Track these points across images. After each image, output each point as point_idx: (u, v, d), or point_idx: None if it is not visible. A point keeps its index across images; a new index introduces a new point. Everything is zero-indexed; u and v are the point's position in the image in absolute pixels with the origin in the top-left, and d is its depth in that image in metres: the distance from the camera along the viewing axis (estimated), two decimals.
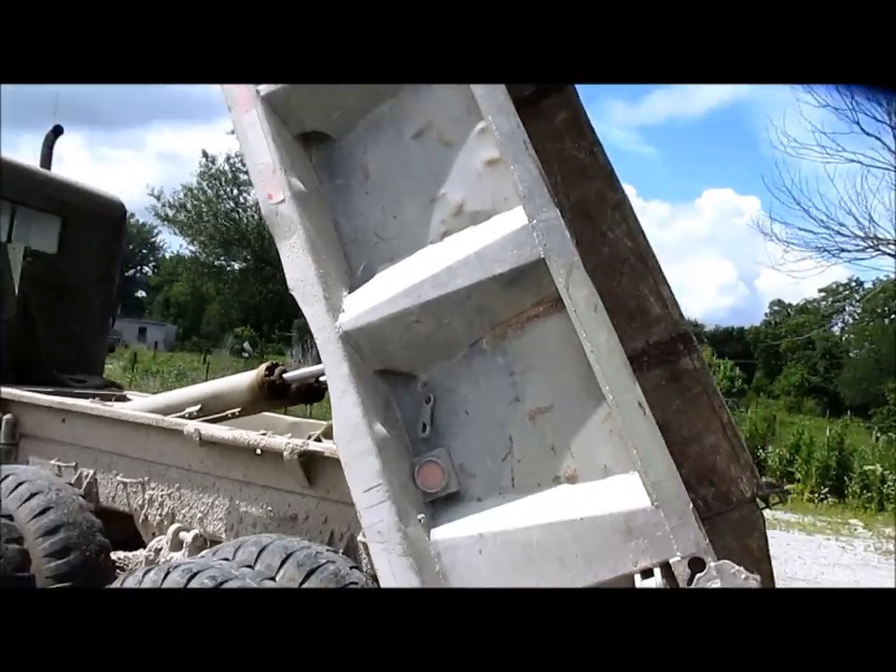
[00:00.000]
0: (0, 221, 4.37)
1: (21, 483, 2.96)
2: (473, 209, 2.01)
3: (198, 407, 3.35)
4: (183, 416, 3.27)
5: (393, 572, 1.80)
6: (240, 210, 28.41)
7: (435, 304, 1.91)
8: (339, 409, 1.92)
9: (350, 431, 1.89)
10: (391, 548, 1.80)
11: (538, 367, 1.90)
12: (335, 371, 1.94)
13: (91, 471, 3.28)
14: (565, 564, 1.73)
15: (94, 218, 4.82)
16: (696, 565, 1.63)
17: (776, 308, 58.03)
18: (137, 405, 3.60)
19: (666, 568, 1.65)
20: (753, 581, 1.60)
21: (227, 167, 27.95)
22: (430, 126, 2.09)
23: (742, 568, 1.61)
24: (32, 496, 2.91)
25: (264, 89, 2.14)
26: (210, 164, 28.33)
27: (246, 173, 23.63)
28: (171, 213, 28.23)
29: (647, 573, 1.67)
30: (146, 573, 2.17)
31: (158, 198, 27.88)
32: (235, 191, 28.37)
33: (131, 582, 2.19)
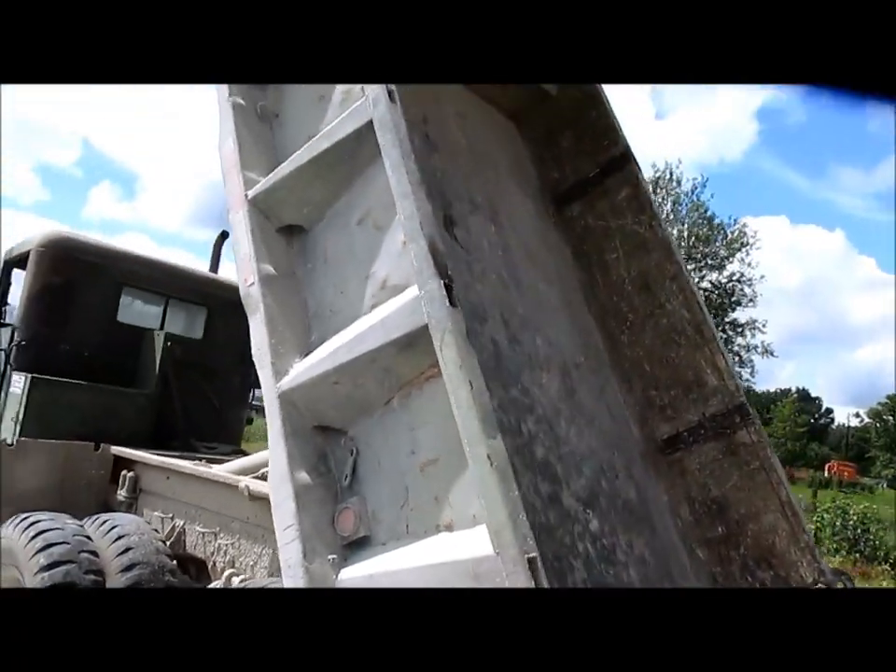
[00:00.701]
0: (154, 312, 5.29)
1: (113, 527, 3.54)
2: (394, 283, 2.26)
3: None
4: (258, 476, 3.73)
5: None
6: None
7: (349, 366, 2.16)
8: (272, 458, 2.22)
9: (277, 478, 2.17)
10: (296, 582, 2.03)
11: (430, 422, 2.06)
12: (272, 425, 2.24)
13: (182, 522, 3.81)
14: None
15: (237, 307, 5.60)
16: None
17: None
18: (226, 466, 4.12)
19: None
20: None
21: None
22: (369, 213, 2.39)
23: None
24: (119, 538, 3.47)
25: (251, 193, 2.59)
26: None
27: None
28: None
29: None
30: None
31: None
32: None
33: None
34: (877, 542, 12.90)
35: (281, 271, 2.53)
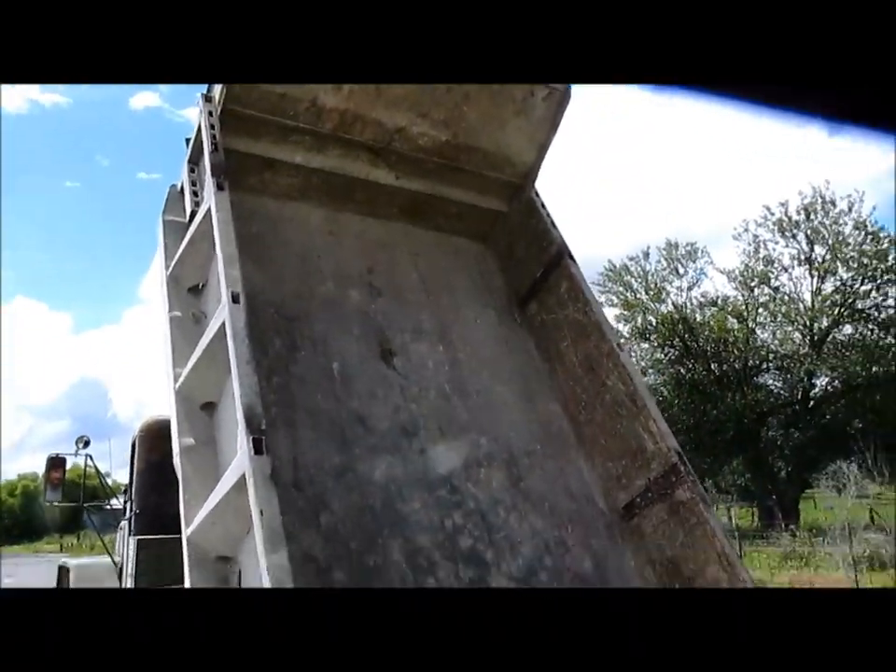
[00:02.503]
0: None
1: None
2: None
3: None
4: None
5: None
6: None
7: (216, 510, 2.85)
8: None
9: None
10: None
11: None
12: (184, 559, 2.98)
13: None
14: None
15: None
16: None
17: None
18: None
19: None
20: None
21: None
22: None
23: None
24: None
25: (177, 385, 3.44)
26: None
27: None
28: None
29: None
30: None
31: None
32: None
33: None
34: None
35: (202, 440, 3.31)
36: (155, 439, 5.98)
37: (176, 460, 3.25)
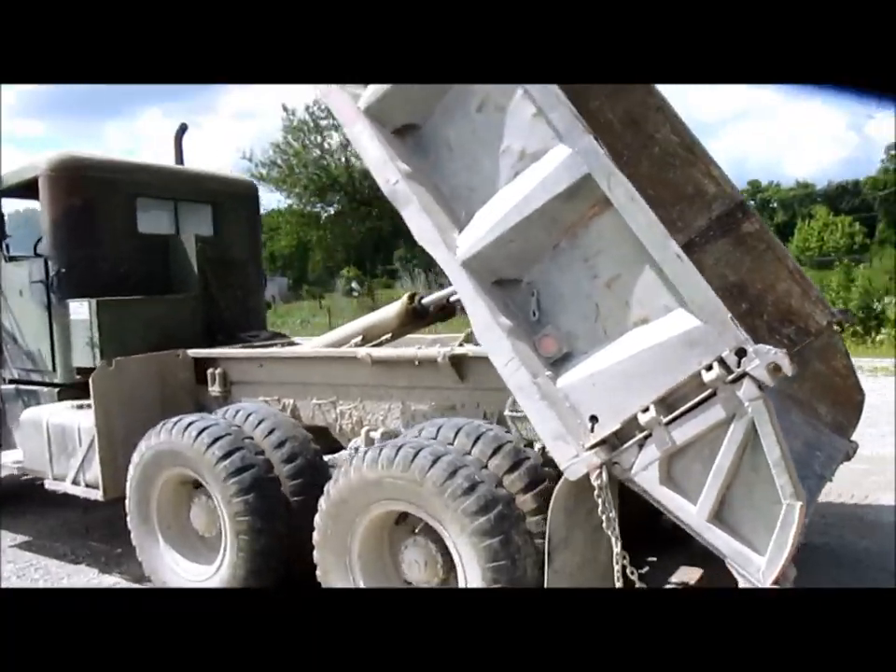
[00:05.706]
0: (167, 217, 5.43)
1: (250, 414, 3.99)
2: (532, 151, 2.72)
3: (360, 338, 4.30)
4: (350, 346, 4.23)
5: (539, 413, 2.64)
6: (327, 157, 28.74)
7: (521, 225, 2.68)
8: (473, 315, 2.76)
9: (484, 327, 2.73)
10: (531, 396, 2.65)
11: (603, 250, 2.61)
12: (464, 290, 2.77)
13: (291, 400, 4.26)
14: (650, 377, 2.47)
15: (235, 200, 5.80)
16: (741, 353, 2.30)
17: (892, 153, 53.19)
18: (313, 343, 4.59)
19: (721, 362, 2.33)
20: (783, 356, 2.23)
21: (307, 117, 28.16)
22: (487, 98, 2.80)
23: (775, 349, 2.26)
24: (261, 421, 3.93)
25: (363, 103, 2.92)
26: (291, 117, 28.74)
27: (326, 118, 24.71)
28: (264, 171, 28.83)
29: (709, 368, 2.34)
30: (381, 448, 3.14)
31: (250, 159, 28.54)
32: (319, 139, 28.61)
33: (369, 455, 3.17)
34: None
35: (411, 166, 2.94)
36: (75, 180, 4.85)
37: (399, 186, 2.86)
